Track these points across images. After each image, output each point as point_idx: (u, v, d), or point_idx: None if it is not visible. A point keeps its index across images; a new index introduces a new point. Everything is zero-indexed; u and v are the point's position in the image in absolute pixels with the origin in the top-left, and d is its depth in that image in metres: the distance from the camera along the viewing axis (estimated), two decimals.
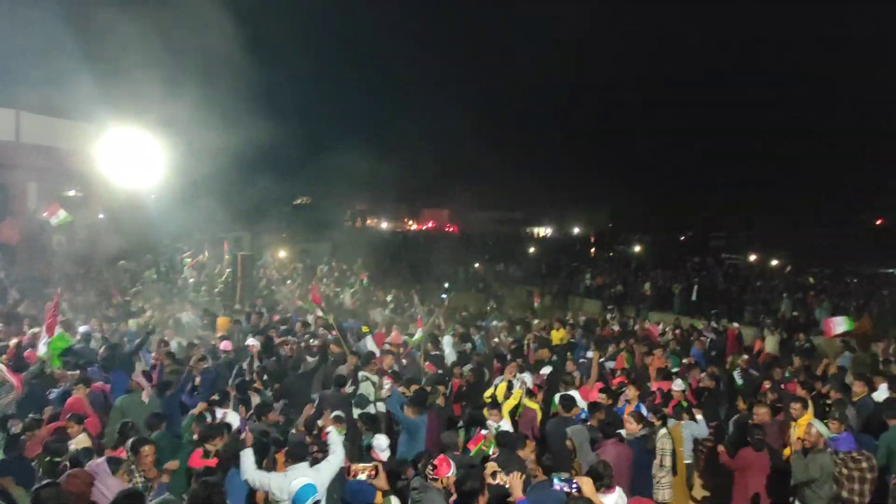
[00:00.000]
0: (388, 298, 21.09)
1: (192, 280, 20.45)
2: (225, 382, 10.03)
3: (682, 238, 59.63)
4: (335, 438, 6.43)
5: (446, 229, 67.28)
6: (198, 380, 9.68)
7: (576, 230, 65.00)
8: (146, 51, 20.34)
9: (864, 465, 6.80)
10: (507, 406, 8.54)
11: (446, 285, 26.19)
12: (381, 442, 7.05)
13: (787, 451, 7.59)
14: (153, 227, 23.09)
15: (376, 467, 5.40)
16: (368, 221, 70.65)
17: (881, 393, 9.62)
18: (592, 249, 48.83)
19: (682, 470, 8.27)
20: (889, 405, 8.21)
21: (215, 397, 8.40)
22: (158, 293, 17.89)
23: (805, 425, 7.16)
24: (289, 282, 23.52)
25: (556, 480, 4.82)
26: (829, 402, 8.95)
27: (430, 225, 71.90)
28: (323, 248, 34.85)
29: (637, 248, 47.18)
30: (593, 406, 8.30)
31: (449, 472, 5.34)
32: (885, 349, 15.36)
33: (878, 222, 66.28)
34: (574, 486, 4.62)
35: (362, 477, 5.27)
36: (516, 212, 72.60)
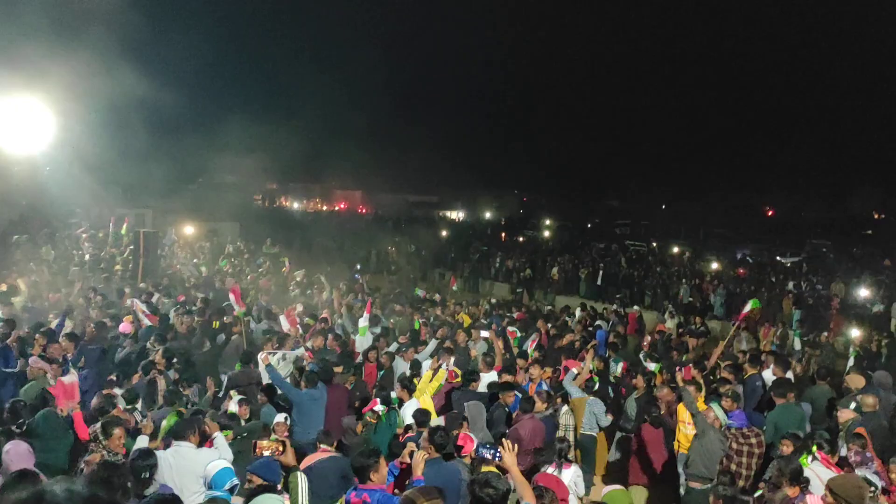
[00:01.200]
0: (299, 279, 20.81)
1: (88, 257, 19.56)
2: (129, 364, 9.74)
3: (589, 225, 61.32)
4: (221, 443, 6.22)
5: (359, 210, 66.70)
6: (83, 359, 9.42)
7: (487, 214, 65.74)
8: (38, 16, 19.16)
9: (753, 440, 7.25)
10: (430, 388, 8.54)
11: (358, 266, 26.06)
12: (278, 417, 7.15)
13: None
14: (46, 199, 21.87)
15: (283, 443, 5.29)
16: (279, 202, 69.19)
17: (769, 373, 10.28)
18: (503, 234, 49.54)
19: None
20: (778, 385, 8.79)
21: (113, 377, 8.18)
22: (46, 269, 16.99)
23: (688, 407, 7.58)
24: (195, 261, 22.83)
25: (481, 449, 4.93)
26: (719, 384, 9.45)
27: (342, 206, 71.03)
28: (231, 228, 33.97)
29: (546, 234, 48.27)
30: (505, 386, 8.49)
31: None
32: (772, 332, 16.36)
33: (770, 213, 70.41)
34: (497, 454, 4.71)
35: (267, 454, 5.13)
36: (430, 195, 72.74)
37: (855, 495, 4.66)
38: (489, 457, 4.78)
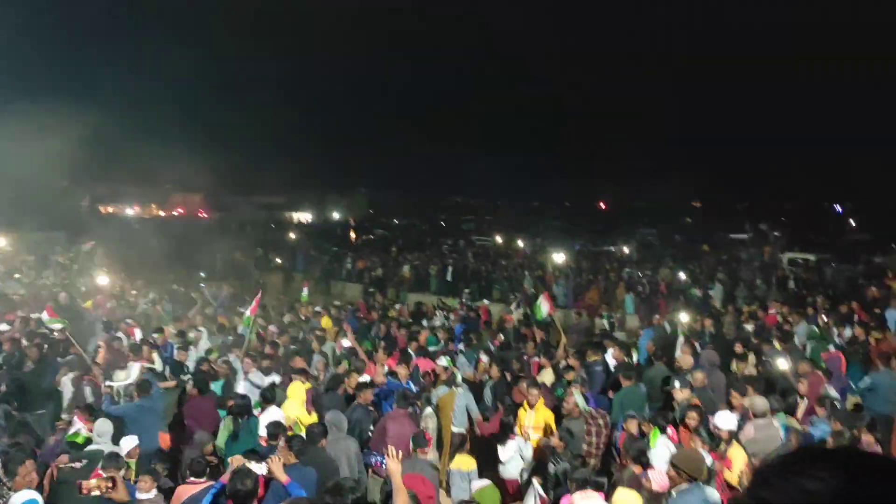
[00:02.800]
0: (135, 292, 19.65)
1: None
2: None
3: (442, 223, 62.39)
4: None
5: (199, 215, 63.69)
6: None
7: (336, 215, 65.09)
8: None
9: (601, 421, 7.76)
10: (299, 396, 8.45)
11: (202, 274, 24.95)
12: (102, 428, 6.92)
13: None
14: None
15: (112, 479, 4.82)
16: (110, 207, 64.55)
17: (609, 356, 11.05)
18: (353, 234, 49.29)
19: (447, 440, 8.79)
20: (626, 367, 9.50)
21: None
22: None
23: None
24: (17, 276, 20.90)
25: (368, 456, 4.96)
26: (565, 371, 10.02)
27: (179, 211, 67.44)
28: (57, 238, 31.34)
29: (396, 233, 48.59)
30: (361, 385, 8.52)
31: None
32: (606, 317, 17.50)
33: (602, 206, 75.07)
34: (381, 460, 4.74)
35: (95, 494, 4.66)
36: (276, 196, 70.83)
37: (694, 468, 5.15)
38: (373, 463, 4.83)
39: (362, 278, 29.13)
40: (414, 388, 9.25)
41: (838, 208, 68.58)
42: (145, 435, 7.43)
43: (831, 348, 11.66)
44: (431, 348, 12.72)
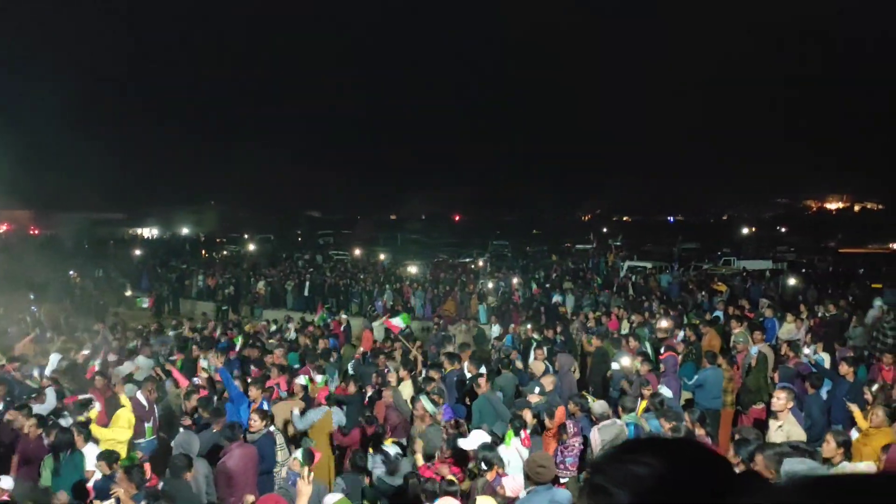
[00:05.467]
0: None
1: None
2: None
3: (300, 237, 61.16)
4: None
5: (30, 232, 58.61)
6: None
7: (184, 230, 62.14)
8: None
9: (461, 430, 7.90)
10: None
11: (32, 296, 22.98)
12: None
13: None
14: None
15: None
16: None
17: (465, 367, 11.29)
18: (202, 250, 47.26)
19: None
20: (480, 376, 9.75)
21: None
22: None
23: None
24: None
25: None
26: (425, 383, 10.14)
27: (4, 228, 61.75)
28: None
29: (250, 248, 47.07)
30: (215, 412, 8.20)
31: None
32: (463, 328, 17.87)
33: (457, 218, 76.81)
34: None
35: None
36: (115, 211, 66.59)
37: (532, 471, 5.38)
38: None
39: (214, 295, 27.99)
40: (266, 406, 9.00)
41: (671, 220, 74.39)
42: None
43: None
44: (295, 366, 12.48)
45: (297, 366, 12.59)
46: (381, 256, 40.55)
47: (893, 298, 17.67)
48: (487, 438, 6.46)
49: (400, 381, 10.65)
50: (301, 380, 10.04)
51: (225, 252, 45.98)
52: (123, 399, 8.78)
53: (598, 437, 7.14)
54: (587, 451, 7.43)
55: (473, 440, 6.43)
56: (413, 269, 31.58)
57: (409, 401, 9.47)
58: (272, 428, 7.88)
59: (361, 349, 14.34)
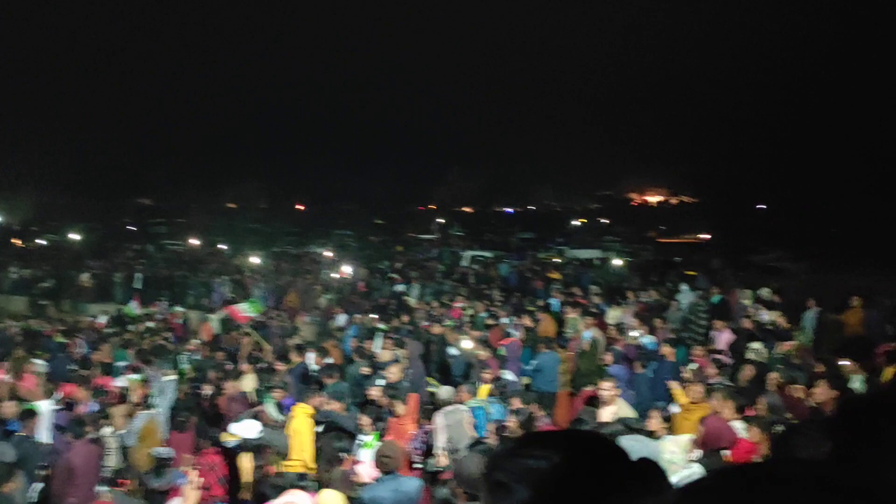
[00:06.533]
0: None
1: None
2: None
3: (129, 227, 57.10)
4: None
5: None
6: None
7: None
8: None
9: None
10: None
11: None
12: None
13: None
14: None
15: None
16: None
17: (310, 359, 11.19)
18: (17, 240, 42.92)
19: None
20: (328, 368, 9.71)
21: None
22: None
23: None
24: None
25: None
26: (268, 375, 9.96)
27: None
28: None
29: (73, 237, 43.31)
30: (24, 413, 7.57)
31: None
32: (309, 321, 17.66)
33: (301, 207, 75.34)
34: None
35: None
36: None
37: (379, 461, 5.47)
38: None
39: (30, 289, 25.59)
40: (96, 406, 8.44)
41: (509, 210, 77.56)
42: None
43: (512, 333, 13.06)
44: (121, 363, 11.71)
45: (123, 363, 11.85)
46: (220, 246, 38.93)
47: (705, 285, 19.55)
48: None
49: (239, 374, 10.28)
50: (121, 381, 9.50)
51: (41, 242, 42.12)
52: None
53: (444, 422, 7.33)
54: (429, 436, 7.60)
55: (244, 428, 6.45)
56: (254, 260, 30.59)
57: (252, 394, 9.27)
58: (107, 430, 7.41)
59: (199, 341, 13.78)
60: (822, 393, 6.07)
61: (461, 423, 7.37)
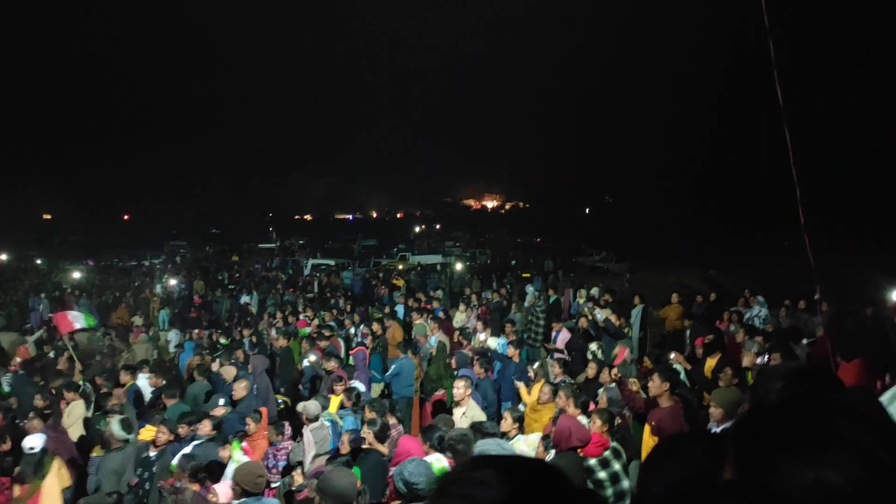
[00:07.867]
0: None
1: None
2: None
3: None
4: None
5: None
6: None
7: None
8: None
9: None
10: None
11: None
12: None
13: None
14: None
15: None
16: None
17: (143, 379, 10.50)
18: None
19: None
20: (165, 387, 9.18)
21: None
22: None
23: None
24: None
25: None
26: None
27: None
28: None
29: None
30: None
31: None
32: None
33: (126, 217, 70.63)
34: None
35: None
36: None
37: (250, 482, 5.25)
38: None
39: None
40: None
41: (350, 218, 77.24)
42: None
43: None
44: None
45: None
46: (36, 261, 35.66)
47: (540, 286, 20.55)
48: None
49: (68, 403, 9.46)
50: None
51: None
52: None
53: (311, 438, 7.14)
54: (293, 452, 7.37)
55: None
56: (76, 275, 28.29)
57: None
58: None
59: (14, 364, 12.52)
60: (656, 386, 6.54)
61: (326, 438, 7.22)
